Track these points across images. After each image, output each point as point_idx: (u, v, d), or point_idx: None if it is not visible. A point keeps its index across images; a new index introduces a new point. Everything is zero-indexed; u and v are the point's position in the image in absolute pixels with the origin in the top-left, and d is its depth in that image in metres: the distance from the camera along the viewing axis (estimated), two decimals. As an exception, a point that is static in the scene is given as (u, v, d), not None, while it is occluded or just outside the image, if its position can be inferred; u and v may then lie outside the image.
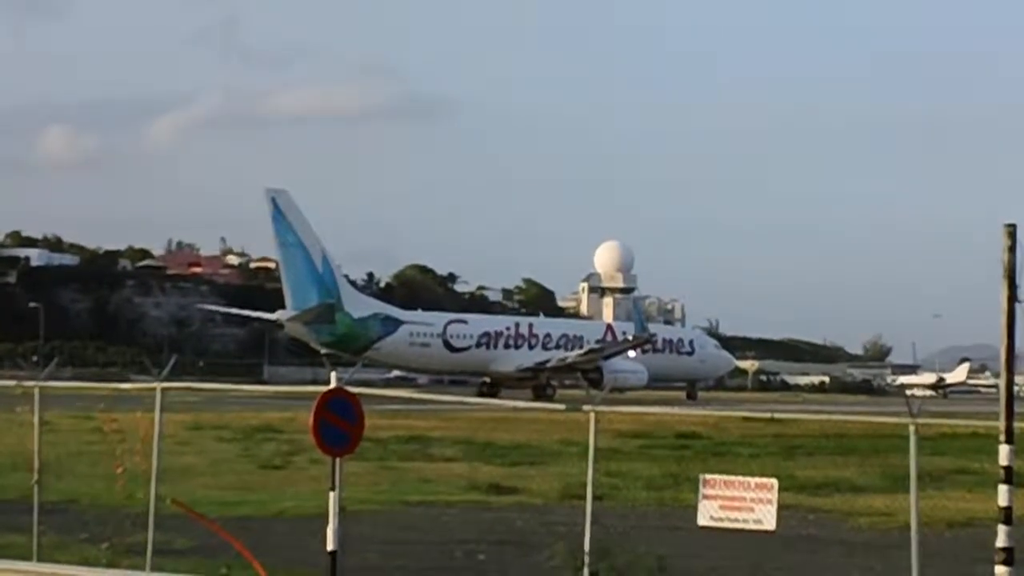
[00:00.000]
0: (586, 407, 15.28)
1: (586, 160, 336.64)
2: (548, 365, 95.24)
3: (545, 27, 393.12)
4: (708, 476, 14.56)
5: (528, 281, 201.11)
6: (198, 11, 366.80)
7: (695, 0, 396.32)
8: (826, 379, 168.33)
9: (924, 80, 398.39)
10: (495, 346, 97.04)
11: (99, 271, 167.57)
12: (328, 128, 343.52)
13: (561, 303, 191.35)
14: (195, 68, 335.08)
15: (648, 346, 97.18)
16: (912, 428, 13.86)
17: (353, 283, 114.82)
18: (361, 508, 23.30)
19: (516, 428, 47.02)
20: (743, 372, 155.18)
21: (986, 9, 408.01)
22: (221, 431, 43.78)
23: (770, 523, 14.05)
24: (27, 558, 15.86)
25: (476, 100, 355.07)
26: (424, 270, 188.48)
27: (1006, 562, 13.00)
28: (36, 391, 17.32)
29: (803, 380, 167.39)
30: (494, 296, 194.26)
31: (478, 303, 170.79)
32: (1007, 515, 13.01)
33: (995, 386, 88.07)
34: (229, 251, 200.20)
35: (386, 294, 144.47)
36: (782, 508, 14.46)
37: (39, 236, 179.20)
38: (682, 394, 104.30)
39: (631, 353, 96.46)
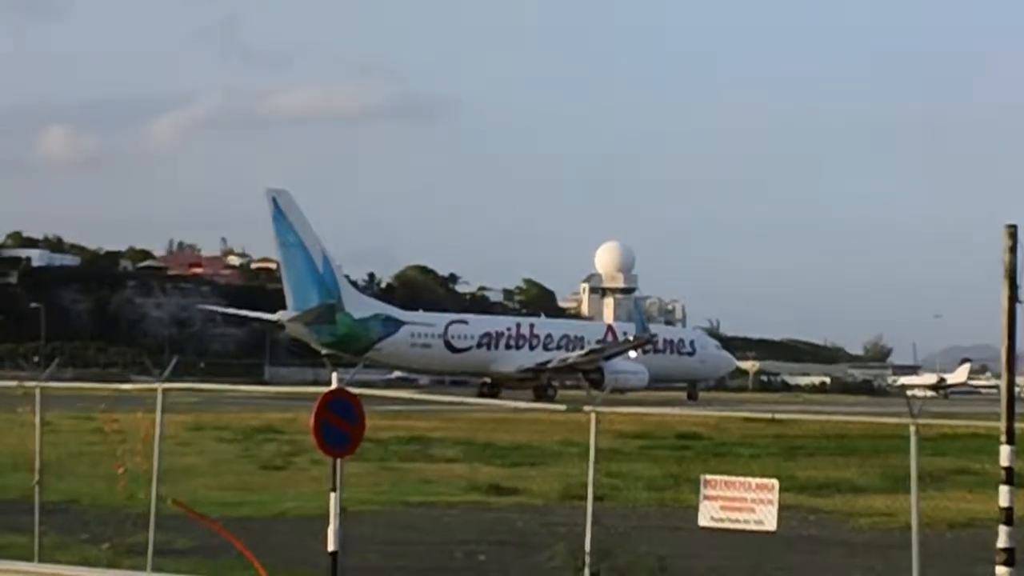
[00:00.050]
0: (587, 408, 15.29)
1: (586, 160, 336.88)
2: (549, 366, 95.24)
3: (545, 27, 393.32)
4: (709, 477, 14.57)
5: (529, 281, 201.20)
6: (198, 11, 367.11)
7: (695, 0, 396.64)
8: (827, 380, 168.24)
9: (924, 80, 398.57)
10: (496, 347, 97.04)
11: (100, 272, 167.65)
12: (328, 128, 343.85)
13: (562, 303, 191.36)
14: (195, 68, 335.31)
15: (649, 347, 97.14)
16: (913, 429, 13.87)
17: (354, 283, 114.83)
18: (362, 509, 23.31)
19: (517, 429, 47.00)
20: (744, 373, 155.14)
21: (986, 9, 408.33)
22: (222, 431, 43.76)
23: (771, 524, 14.06)
24: (28, 558, 15.87)
25: (476, 100, 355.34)
26: (425, 270, 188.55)
27: (1007, 563, 13.01)
28: (37, 392, 17.33)
29: (804, 381, 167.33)
30: (495, 297, 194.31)
31: (479, 304, 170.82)
32: (1008, 516, 13.02)
33: (996, 387, 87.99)
34: (230, 251, 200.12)
35: (387, 294, 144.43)
36: (783, 509, 14.47)
37: (40, 237, 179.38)
38: (683, 395, 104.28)
39: (632, 354, 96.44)
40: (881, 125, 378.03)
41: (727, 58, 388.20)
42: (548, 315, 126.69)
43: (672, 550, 17.84)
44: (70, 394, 20.50)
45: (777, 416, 39.54)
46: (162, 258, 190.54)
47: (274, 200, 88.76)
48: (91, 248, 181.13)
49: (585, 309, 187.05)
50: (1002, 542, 13.03)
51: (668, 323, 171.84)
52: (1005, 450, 13.02)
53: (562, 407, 18.84)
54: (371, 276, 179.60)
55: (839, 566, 20.02)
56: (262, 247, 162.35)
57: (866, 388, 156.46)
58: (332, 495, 14.41)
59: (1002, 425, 13.10)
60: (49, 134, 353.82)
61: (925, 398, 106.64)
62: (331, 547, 14.33)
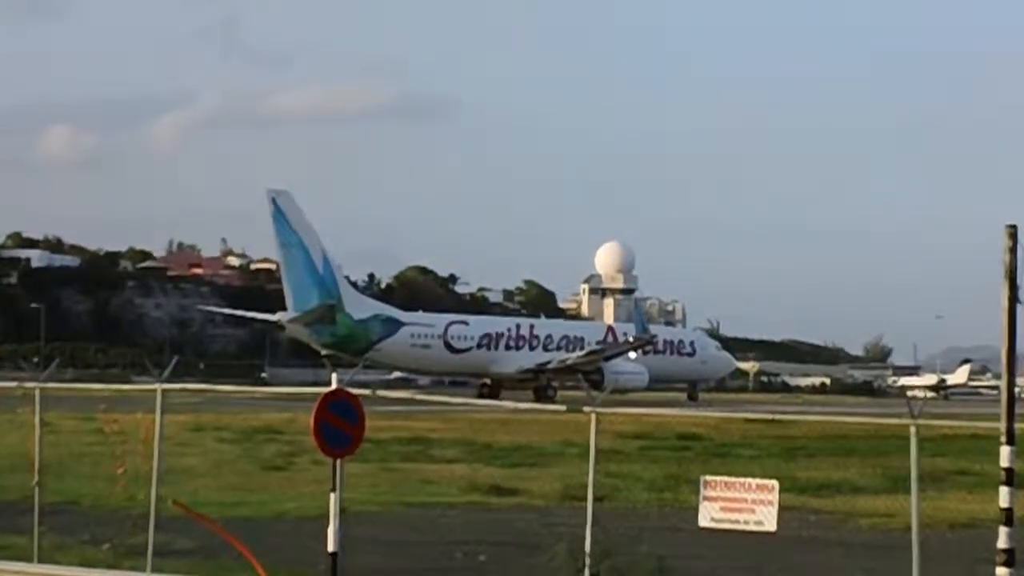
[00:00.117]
0: (587, 408, 15.30)
1: (586, 160, 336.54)
2: (549, 366, 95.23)
3: (545, 27, 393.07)
4: (709, 477, 14.57)
5: (529, 282, 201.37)
6: (198, 11, 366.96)
7: (695, 0, 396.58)
8: (827, 380, 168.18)
9: (924, 80, 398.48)
10: (496, 347, 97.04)
11: (100, 272, 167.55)
12: (328, 128, 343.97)
13: (562, 304, 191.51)
14: (195, 68, 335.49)
15: (649, 347, 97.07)
16: (913, 429, 13.87)
17: (354, 284, 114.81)
18: (362, 509, 23.28)
19: (517, 429, 46.97)
20: (744, 373, 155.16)
21: (986, 9, 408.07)
22: (222, 432, 43.75)
23: (771, 524, 14.06)
24: (28, 559, 15.88)
25: (476, 100, 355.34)
26: (425, 271, 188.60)
27: (1007, 563, 13.01)
28: (37, 392, 17.33)
29: (804, 381, 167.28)
30: (495, 297, 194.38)
31: (479, 304, 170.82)
32: (1008, 516, 13.02)
33: (996, 387, 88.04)
34: (230, 252, 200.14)
35: (387, 295, 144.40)
36: (783, 509, 14.47)
37: (40, 237, 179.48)
38: (683, 395, 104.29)
39: (632, 354, 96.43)
40: (881, 125, 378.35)
41: (727, 58, 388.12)
42: (548, 316, 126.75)
43: (672, 551, 17.83)
44: (70, 395, 20.52)
45: (777, 417, 39.52)
46: (162, 258, 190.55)
47: (274, 200, 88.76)
48: (91, 248, 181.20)
49: (585, 310, 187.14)
50: (1002, 543, 13.03)
51: (668, 324, 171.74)
52: (1005, 451, 13.02)
53: (562, 408, 18.84)
54: (371, 276, 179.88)
55: (839, 566, 20.03)
56: (262, 247, 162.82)
57: (866, 389, 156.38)
58: (332, 495, 14.42)
59: (1002, 426, 13.10)
60: (49, 134, 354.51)
61: (925, 399, 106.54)
62: (331, 548, 14.33)
